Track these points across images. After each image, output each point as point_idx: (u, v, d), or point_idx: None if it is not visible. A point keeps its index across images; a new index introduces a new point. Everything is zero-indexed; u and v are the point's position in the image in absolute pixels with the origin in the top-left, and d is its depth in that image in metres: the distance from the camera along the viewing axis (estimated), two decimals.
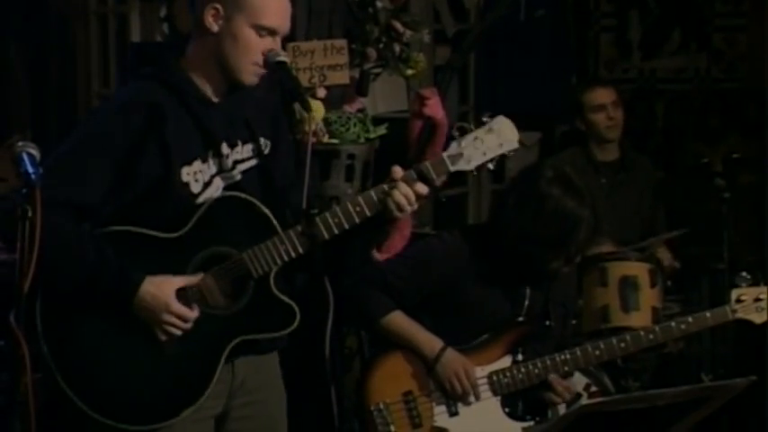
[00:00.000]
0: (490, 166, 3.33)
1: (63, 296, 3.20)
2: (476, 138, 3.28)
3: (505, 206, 4.11)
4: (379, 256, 4.74)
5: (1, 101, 6.26)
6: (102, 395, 3.24)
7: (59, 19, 6.36)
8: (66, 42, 6.38)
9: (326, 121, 5.04)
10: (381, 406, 4.02)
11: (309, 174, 3.19)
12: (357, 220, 3.25)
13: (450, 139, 3.33)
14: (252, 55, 3.23)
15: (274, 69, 3.22)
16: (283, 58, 3.24)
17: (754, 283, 4.23)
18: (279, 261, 3.23)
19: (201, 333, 3.23)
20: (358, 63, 5.23)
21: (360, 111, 5.24)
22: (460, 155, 3.28)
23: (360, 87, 5.25)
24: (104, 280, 3.17)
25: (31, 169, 2.82)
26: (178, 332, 3.21)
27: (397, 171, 3.28)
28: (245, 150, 3.34)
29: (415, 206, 3.27)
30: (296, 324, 3.27)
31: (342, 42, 5.04)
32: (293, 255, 3.23)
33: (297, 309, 3.26)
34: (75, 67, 6.39)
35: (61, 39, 6.37)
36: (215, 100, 3.30)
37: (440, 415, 4.05)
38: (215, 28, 3.24)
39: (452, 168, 3.29)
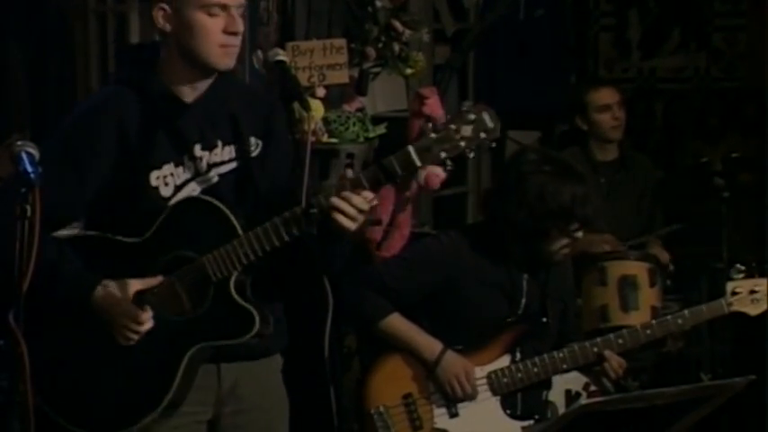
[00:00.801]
0: (470, 155, 3.14)
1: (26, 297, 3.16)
2: (452, 128, 3.10)
3: (500, 193, 4.11)
4: (377, 255, 4.75)
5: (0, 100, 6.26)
6: (65, 399, 3.21)
7: (58, 18, 6.35)
8: (65, 41, 6.37)
9: (326, 121, 5.04)
10: (381, 409, 4.01)
11: (309, 173, 3.17)
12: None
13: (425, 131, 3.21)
14: (212, 37, 3.14)
15: (273, 69, 3.20)
16: (282, 57, 3.22)
17: (749, 276, 4.24)
18: (238, 265, 3.15)
19: (161, 338, 3.17)
20: (357, 62, 5.23)
21: (359, 110, 5.24)
22: (429, 147, 3.09)
23: (359, 87, 5.25)
24: (62, 281, 3.14)
25: (29, 168, 2.82)
26: (134, 336, 3.15)
27: (347, 173, 3.21)
28: (225, 152, 3.27)
29: (362, 215, 3.11)
30: (254, 331, 3.17)
31: (341, 42, 5.04)
32: (252, 258, 3.14)
33: (256, 314, 3.17)
34: (73, 66, 6.38)
35: (60, 38, 6.36)
36: (189, 101, 3.23)
37: (440, 417, 4.05)
38: (168, 27, 3.18)
39: (419, 162, 3.10)
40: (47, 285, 3.10)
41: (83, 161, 3.17)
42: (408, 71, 5.36)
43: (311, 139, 3.20)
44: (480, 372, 4.06)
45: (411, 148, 3.08)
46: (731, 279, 4.24)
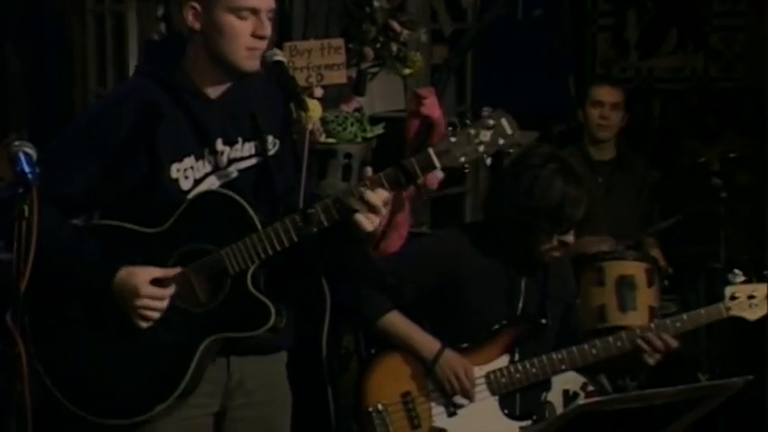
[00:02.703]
0: (488, 161, 3.24)
1: (42, 284, 3.16)
2: (471, 133, 3.18)
3: (502, 183, 4.11)
4: (376, 254, 4.74)
5: None
6: (79, 388, 3.25)
7: (56, 18, 6.35)
8: (62, 41, 6.37)
9: (323, 121, 5.04)
10: (380, 407, 4.01)
11: (306, 173, 3.18)
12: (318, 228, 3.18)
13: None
14: (240, 40, 3.19)
15: (271, 69, 3.21)
16: (280, 57, 3.23)
17: (747, 281, 4.25)
18: (256, 259, 3.20)
19: (176, 328, 3.22)
20: (355, 62, 5.23)
21: (357, 110, 5.24)
22: (448, 151, 3.17)
23: (357, 87, 5.25)
24: (81, 268, 3.18)
25: (27, 168, 2.82)
26: (154, 314, 3.19)
27: (367, 171, 3.23)
28: (245, 148, 3.32)
29: (377, 214, 3.17)
30: (270, 324, 3.22)
31: (339, 42, 5.04)
32: (270, 252, 3.19)
33: (272, 308, 3.22)
34: (71, 65, 6.38)
35: (58, 37, 6.36)
36: (213, 97, 3.28)
37: (438, 415, 4.05)
38: (197, 26, 3.22)
39: (438, 164, 3.16)
40: (65, 271, 3.16)
41: (106, 150, 3.20)
42: (406, 71, 5.36)
43: (309, 139, 3.21)
44: (479, 371, 4.06)
45: (431, 150, 3.14)
46: (730, 283, 4.25)
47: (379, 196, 3.16)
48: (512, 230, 4.05)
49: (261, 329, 3.23)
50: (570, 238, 4.11)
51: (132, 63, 6.10)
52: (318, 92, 4.98)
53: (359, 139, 5.11)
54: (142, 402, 3.24)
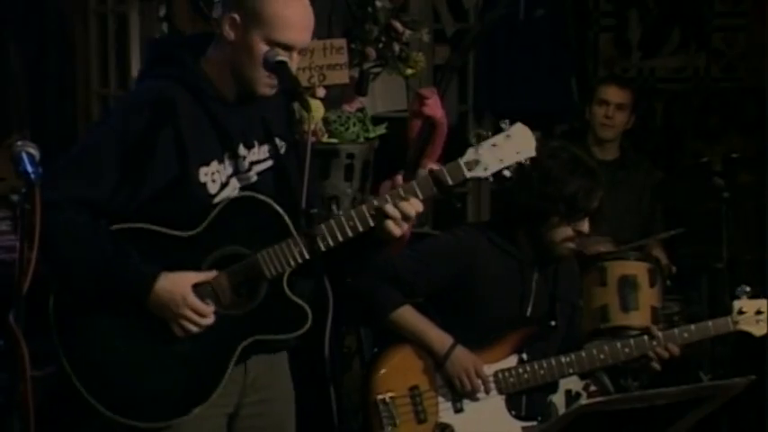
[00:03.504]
0: (507, 173, 3.30)
1: (77, 291, 3.19)
2: (493, 144, 3.27)
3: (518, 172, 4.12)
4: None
5: (0, 100, 6.26)
6: (111, 391, 3.23)
7: (59, 18, 6.36)
8: (65, 41, 6.38)
9: (326, 121, 5.04)
10: (387, 399, 4.02)
11: (309, 173, 3.19)
12: (350, 234, 3.22)
13: (468, 145, 3.31)
14: (256, 73, 3.20)
15: (274, 69, 3.20)
16: (283, 57, 3.22)
17: (754, 296, 4.29)
18: (293, 263, 3.22)
19: (213, 332, 3.22)
20: (357, 62, 5.22)
21: (359, 110, 5.24)
22: (477, 161, 3.25)
23: (359, 87, 5.25)
24: (120, 274, 3.16)
25: (30, 168, 2.82)
26: (195, 328, 3.19)
27: (398, 180, 3.25)
28: (261, 151, 3.33)
29: (409, 222, 3.23)
30: (308, 326, 3.25)
31: (341, 42, 5.04)
32: (307, 257, 3.21)
33: (309, 311, 3.25)
34: (74, 66, 6.39)
35: (60, 38, 6.37)
36: (232, 100, 3.27)
37: (445, 411, 4.05)
38: (231, 36, 3.21)
39: (468, 175, 3.25)
40: (103, 277, 3.14)
41: (137, 153, 3.18)
42: (408, 71, 5.35)
43: (311, 139, 3.22)
44: (488, 370, 4.06)
45: (461, 162, 3.24)
46: (737, 298, 4.30)
47: (413, 206, 3.21)
48: (527, 219, 4.06)
49: (299, 332, 3.27)
50: (585, 226, 4.12)
51: (135, 63, 6.11)
52: (321, 92, 4.98)
53: (361, 140, 5.11)
54: (179, 404, 3.24)
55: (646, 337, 4.21)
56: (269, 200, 3.25)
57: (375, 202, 3.22)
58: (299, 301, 3.26)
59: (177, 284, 3.17)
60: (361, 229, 3.22)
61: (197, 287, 3.19)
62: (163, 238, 3.22)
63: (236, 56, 3.21)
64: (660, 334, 4.22)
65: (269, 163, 3.34)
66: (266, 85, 3.22)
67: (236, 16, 3.19)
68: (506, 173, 3.30)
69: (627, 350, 4.16)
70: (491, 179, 3.30)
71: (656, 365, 4.19)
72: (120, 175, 3.17)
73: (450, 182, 3.23)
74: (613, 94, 5.94)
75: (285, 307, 3.26)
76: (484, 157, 3.26)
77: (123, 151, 3.17)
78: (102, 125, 3.31)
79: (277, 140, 3.35)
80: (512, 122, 3.32)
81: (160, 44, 3.58)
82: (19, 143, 2.88)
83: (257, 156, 3.32)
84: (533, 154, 3.30)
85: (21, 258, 2.78)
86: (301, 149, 3.22)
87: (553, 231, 4.07)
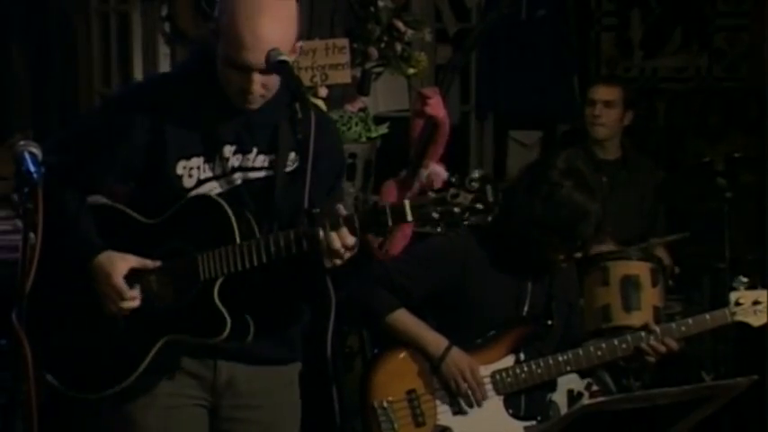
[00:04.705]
0: (465, 222, 3.25)
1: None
2: (451, 192, 3.13)
3: (516, 192, 4.10)
4: (381, 254, 4.75)
5: (2, 100, 6.26)
6: (54, 357, 3.29)
7: (61, 18, 6.36)
8: (67, 41, 6.38)
9: None
10: (385, 404, 4.01)
11: (311, 173, 3.18)
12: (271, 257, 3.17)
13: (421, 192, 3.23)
14: (232, 87, 3.18)
15: (276, 69, 3.19)
16: (285, 57, 3.22)
17: (752, 287, 4.28)
18: (227, 270, 3.19)
19: (142, 319, 3.26)
20: (359, 62, 5.23)
21: (361, 110, 5.25)
22: (424, 206, 3.11)
23: (361, 86, 5.25)
24: (72, 240, 3.23)
25: (32, 168, 2.82)
26: (113, 307, 3.24)
27: (340, 209, 3.15)
28: (258, 160, 3.29)
29: (340, 257, 3.13)
30: (224, 336, 3.21)
31: (343, 41, 5.04)
32: (241, 268, 3.18)
33: (228, 321, 3.21)
34: (76, 65, 6.40)
35: (62, 38, 6.37)
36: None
37: (443, 414, 4.05)
38: (215, 45, 3.21)
39: (410, 218, 3.12)
40: (59, 240, 3.18)
41: (114, 138, 3.25)
42: (410, 71, 5.36)
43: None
44: (485, 371, 4.06)
45: (407, 203, 3.11)
46: (735, 289, 4.28)
47: (342, 239, 3.11)
48: (526, 241, 4.05)
49: (214, 339, 3.24)
50: (581, 250, 4.14)
51: (137, 62, 6.11)
52: (323, 91, 4.98)
53: (363, 139, 5.12)
54: (106, 380, 3.29)
55: (642, 333, 4.20)
56: (224, 204, 3.22)
57: (306, 229, 3.13)
58: (222, 309, 3.22)
59: (112, 263, 3.22)
60: (293, 251, 3.15)
61: (133, 272, 3.23)
62: (127, 219, 3.29)
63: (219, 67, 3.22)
64: (657, 328, 4.20)
65: (262, 173, 3.30)
66: (242, 101, 3.19)
67: (213, 26, 3.22)
68: (466, 222, 3.26)
69: (624, 346, 4.15)
70: (439, 227, 3.23)
71: (651, 359, 4.16)
72: (101, 155, 3.26)
73: (390, 221, 3.12)
74: (599, 92, 5.97)
75: (208, 311, 3.23)
76: (439, 204, 3.12)
77: (105, 134, 3.26)
78: (102, 104, 3.40)
79: (292, 155, 3.28)
80: (483, 177, 3.19)
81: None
82: (21, 143, 2.89)
83: (251, 163, 3.29)
84: (492, 208, 3.16)
85: (23, 258, 2.79)
86: (303, 149, 3.21)
87: (552, 254, 4.08)
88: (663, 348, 4.14)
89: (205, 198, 3.26)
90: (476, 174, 3.21)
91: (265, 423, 3.43)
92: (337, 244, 3.11)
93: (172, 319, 3.27)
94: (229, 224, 3.21)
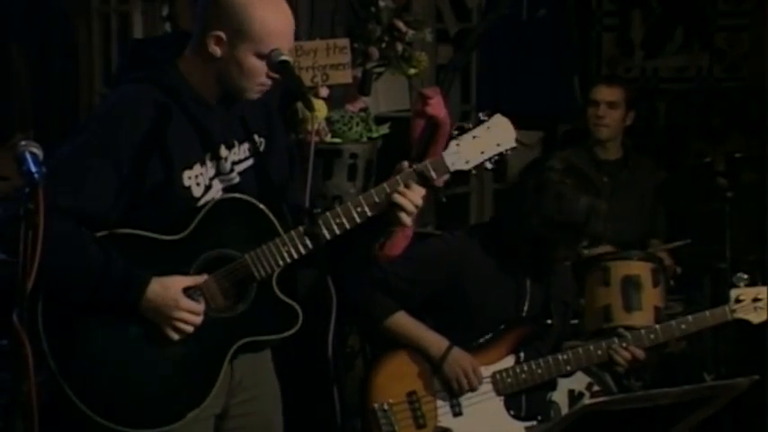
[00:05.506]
0: (488, 165, 3.29)
1: (68, 299, 3.17)
2: (474, 137, 3.26)
3: (524, 194, 4.10)
4: (381, 255, 4.74)
5: (3, 100, 6.26)
6: (103, 397, 3.21)
7: (62, 18, 6.36)
8: (68, 41, 6.38)
9: (329, 121, 5.04)
10: (385, 406, 4.02)
11: (312, 173, 3.19)
12: (358, 221, 3.24)
13: (450, 138, 3.31)
14: (257, 78, 3.19)
15: (277, 69, 3.20)
16: (286, 57, 3.22)
17: (752, 284, 4.27)
18: (281, 262, 3.22)
19: (204, 335, 3.22)
20: (360, 62, 5.22)
21: (362, 110, 5.24)
22: (459, 154, 3.26)
23: (362, 86, 5.24)
24: (111, 281, 3.14)
25: (33, 168, 2.82)
26: (189, 328, 3.18)
27: (404, 165, 3.26)
28: (242, 150, 3.32)
29: (417, 209, 3.24)
30: (299, 325, 3.26)
31: (344, 41, 5.04)
32: (296, 256, 3.22)
33: (299, 310, 3.26)
34: (77, 66, 6.39)
35: (63, 38, 6.37)
36: (210, 101, 3.25)
37: (444, 415, 4.05)
38: (218, 53, 3.18)
39: (452, 168, 3.26)
40: (94, 285, 3.13)
41: (122, 160, 3.15)
42: (411, 71, 5.35)
43: (314, 138, 3.22)
44: (485, 371, 4.06)
45: (444, 155, 3.26)
46: (735, 286, 4.28)
47: (419, 193, 3.23)
48: (532, 240, 4.05)
49: (290, 331, 3.27)
50: (585, 250, 4.16)
51: None
52: (324, 92, 4.98)
53: (364, 139, 5.11)
54: (173, 410, 3.22)
55: (643, 331, 4.21)
56: (253, 200, 3.24)
57: (385, 186, 3.23)
58: (289, 301, 3.26)
59: (168, 288, 3.16)
60: (369, 213, 3.23)
61: (187, 291, 3.19)
62: (149, 242, 3.20)
63: (225, 69, 3.19)
64: (628, 334, 4.20)
65: (250, 162, 3.32)
66: (256, 91, 3.22)
67: (222, 34, 3.16)
68: (488, 165, 3.29)
69: (624, 345, 4.16)
70: (474, 172, 3.31)
71: (620, 369, 4.17)
72: (109, 185, 3.15)
73: (434, 176, 3.23)
74: (602, 93, 5.96)
75: (275, 307, 3.26)
76: (465, 150, 3.26)
77: (110, 160, 3.14)
78: (88, 132, 3.23)
79: (256, 137, 3.34)
80: (490, 114, 3.30)
81: (133, 46, 3.54)
82: (22, 143, 2.88)
83: (238, 155, 3.31)
84: (514, 145, 3.29)
85: (24, 258, 2.78)
86: (305, 149, 3.22)
87: (557, 253, 4.09)
88: (627, 355, 4.13)
89: (232, 200, 3.25)
90: (485, 114, 3.31)
91: (264, 413, 3.45)
92: (408, 203, 3.21)
93: (238, 327, 3.25)
94: (267, 218, 3.23)
